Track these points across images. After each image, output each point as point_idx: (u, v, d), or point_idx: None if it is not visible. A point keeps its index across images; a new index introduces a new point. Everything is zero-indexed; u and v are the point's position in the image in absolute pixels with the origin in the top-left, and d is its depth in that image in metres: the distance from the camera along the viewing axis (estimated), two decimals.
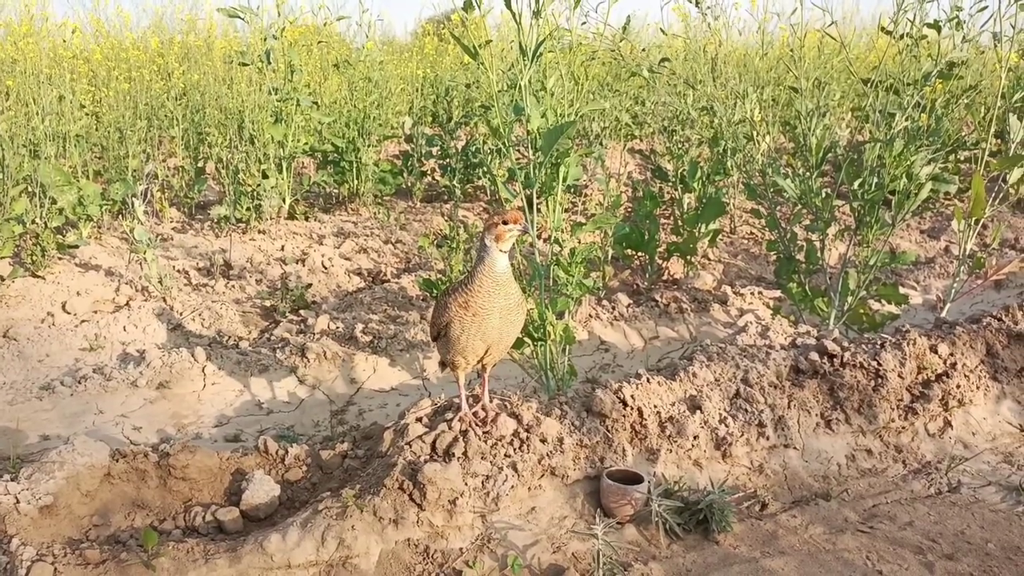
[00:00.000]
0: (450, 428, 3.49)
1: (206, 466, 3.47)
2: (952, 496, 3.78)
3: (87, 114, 8.71)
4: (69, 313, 5.58)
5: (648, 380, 3.92)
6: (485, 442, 3.44)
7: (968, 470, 3.98)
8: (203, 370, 4.79)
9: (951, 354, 4.38)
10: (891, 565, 3.26)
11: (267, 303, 5.99)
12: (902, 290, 6.55)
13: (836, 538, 3.43)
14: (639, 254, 7.12)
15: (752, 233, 8.50)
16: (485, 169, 8.98)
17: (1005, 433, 4.32)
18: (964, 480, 3.91)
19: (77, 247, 6.49)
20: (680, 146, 7.61)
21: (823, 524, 3.53)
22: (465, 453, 3.37)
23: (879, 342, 4.37)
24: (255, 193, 7.81)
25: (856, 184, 5.56)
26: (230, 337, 5.38)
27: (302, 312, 5.87)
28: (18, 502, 2.93)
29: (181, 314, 5.62)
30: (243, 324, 5.65)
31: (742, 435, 3.87)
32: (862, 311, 5.56)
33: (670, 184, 7.58)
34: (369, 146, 8.83)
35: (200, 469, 3.45)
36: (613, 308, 6.20)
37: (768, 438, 3.92)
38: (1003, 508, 3.69)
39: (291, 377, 4.97)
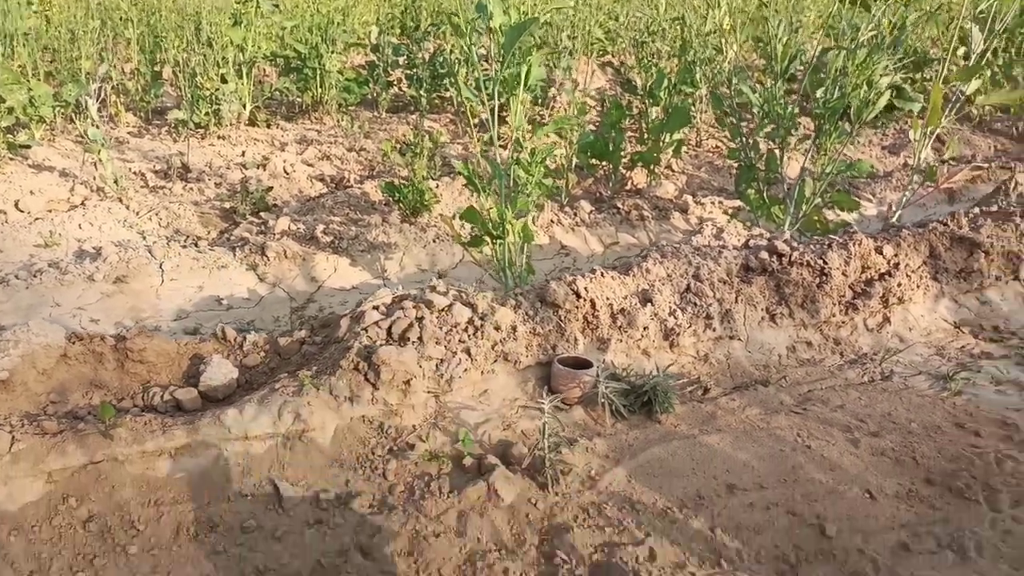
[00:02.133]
0: (406, 315, 3.57)
1: (164, 350, 3.52)
2: (884, 383, 3.98)
3: (35, 13, 8.34)
4: (22, 211, 5.50)
5: (602, 274, 4.02)
6: (440, 328, 3.54)
7: (901, 361, 4.18)
8: (161, 266, 4.78)
9: (895, 255, 4.54)
10: (819, 441, 3.47)
11: (226, 205, 5.95)
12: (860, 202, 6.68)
13: (771, 418, 3.62)
14: (604, 164, 7.14)
15: (718, 146, 8.54)
16: (452, 80, 8.84)
17: (940, 329, 4.52)
18: (897, 370, 4.12)
19: (29, 147, 6.34)
20: (650, 59, 7.54)
21: (760, 406, 3.72)
22: (420, 338, 3.46)
23: (827, 242, 4.50)
24: (213, 97, 7.63)
25: (819, 92, 5.60)
26: (188, 236, 5.36)
27: (262, 214, 5.84)
28: None
29: (138, 214, 5.56)
30: (201, 224, 5.62)
31: (690, 327, 4.01)
32: (816, 218, 5.70)
33: (638, 97, 7.54)
34: (333, 52, 8.60)
35: (158, 353, 3.50)
36: (575, 214, 6.26)
37: (714, 330, 4.06)
38: (930, 394, 3.91)
39: (251, 275, 5.00)
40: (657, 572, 2.77)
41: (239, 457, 3.02)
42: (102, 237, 5.22)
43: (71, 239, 5.15)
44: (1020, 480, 3.32)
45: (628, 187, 7.12)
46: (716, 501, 3.17)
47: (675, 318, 3.97)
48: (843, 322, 4.28)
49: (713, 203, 6.71)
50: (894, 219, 5.58)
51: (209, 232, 5.55)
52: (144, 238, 5.29)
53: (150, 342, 3.46)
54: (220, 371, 3.44)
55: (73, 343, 3.32)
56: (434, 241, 5.69)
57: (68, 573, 2.56)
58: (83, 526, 2.69)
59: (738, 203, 6.56)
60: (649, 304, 3.97)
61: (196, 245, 5.23)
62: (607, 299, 3.92)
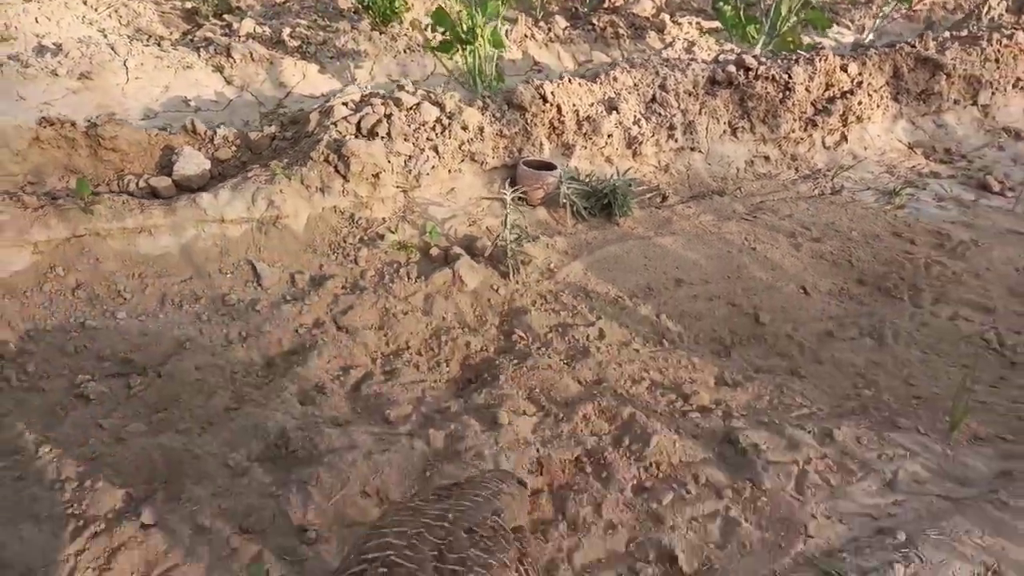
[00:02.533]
0: (375, 111, 3.62)
1: (135, 140, 3.56)
2: (832, 197, 4.19)
3: None
4: None
5: (569, 80, 4.05)
6: (408, 125, 3.60)
7: (852, 177, 4.38)
8: (125, 63, 4.68)
9: (860, 73, 4.60)
10: (765, 244, 3.71)
11: (188, 5, 5.72)
12: (836, 28, 6.62)
13: (722, 224, 3.84)
14: None
15: None
16: None
17: (894, 149, 4.69)
18: (847, 185, 4.32)
19: None
20: None
21: (714, 214, 3.93)
22: (389, 133, 3.53)
23: (794, 58, 4.54)
24: None
25: None
26: (151, 36, 5.20)
27: (226, 16, 5.64)
28: None
29: (96, 10, 5.34)
30: (163, 24, 5.43)
31: (653, 136, 4.11)
32: (790, 39, 5.66)
33: None
34: None
35: (130, 142, 3.55)
36: (549, 30, 6.13)
37: (676, 140, 4.18)
38: (874, 207, 4.13)
39: (217, 77, 4.92)
40: (605, 348, 3.06)
41: (216, 239, 3.18)
42: (61, 33, 5.04)
43: (28, 34, 4.97)
44: (944, 282, 3.63)
45: (606, 4, 6.92)
46: (663, 292, 3.44)
47: (639, 127, 4.07)
48: (802, 138, 4.42)
49: (690, 23, 6.59)
50: (866, 39, 5.58)
51: (171, 33, 5.38)
52: (105, 36, 5.12)
53: (121, 130, 3.49)
54: (193, 162, 3.52)
55: (44, 127, 3.35)
56: (404, 51, 5.59)
57: (62, 333, 2.77)
58: (72, 293, 2.87)
59: (716, 24, 6.45)
60: (614, 112, 4.04)
61: (159, 45, 5.09)
62: (573, 105, 3.99)
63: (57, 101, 4.39)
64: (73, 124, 3.42)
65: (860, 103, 4.47)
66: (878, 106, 4.59)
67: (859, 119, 4.50)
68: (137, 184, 3.40)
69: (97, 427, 2.48)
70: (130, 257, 3.01)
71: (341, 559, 1.50)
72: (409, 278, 3.27)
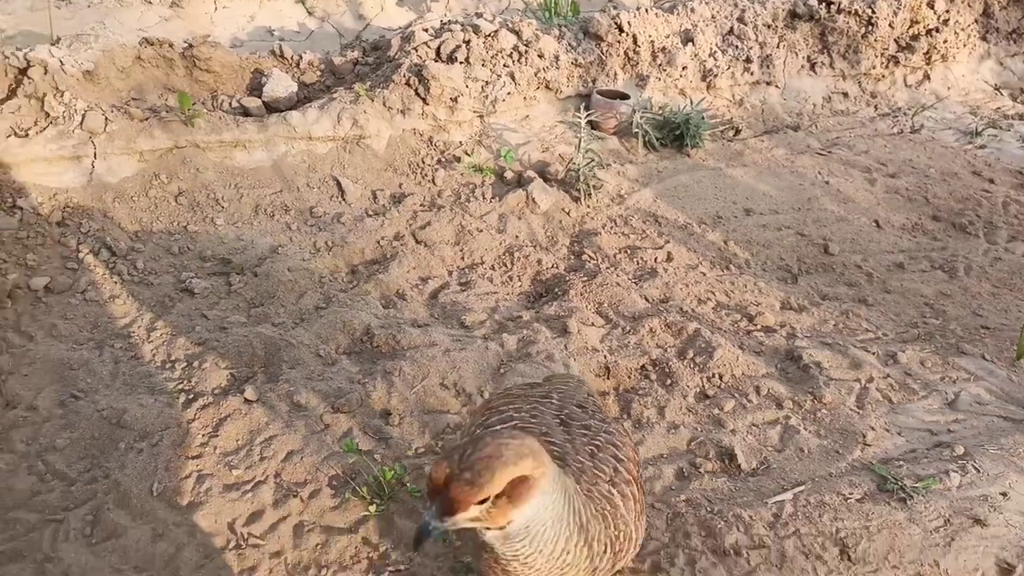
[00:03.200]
0: (454, 37, 3.71)
1: (228, 62, 3.75)
2: (911, 135, 4.13)
3: None
4: None
5: (647, 11, 4.06)
6: (487, 51, 3.69)
7: (933, 117, 4.29)
8: None
9: (947, 10, 4.46)
10: (839, 179, 3.70)
11: None
12: None
13: (796, 158, 3.84)
14: None
15: None
16: None
17: (979, 90, 4.56)
18: (928, 124, 4.23)
19: None
20: None
21: (787, 148, 3.92)
22: (467, 59, 3.63)
23: None
24: None
25: None
26: None
27: None
28: (63, 64, 3.24)
29: None
30: None
31: (728, 69, 4.10)
32: None
33: None
34: None
35: (222, 64, 3.73)
36: None
37: (752, 74, 4.16)
38: (954, 146, 4.06)
39: (300, 8, 5.07)
40: (672, 270, 3.14)
41: (304, 155, 3.36)
42: None
43: None
44: (1022, 221, 3.57)
45: None
46: (732, 221, 3.48)
47: (714, 59, 4.07)
48: (883, 75, 4.34)
49: None
50: None
51: None
52: None
53: (215, 52, 3.68)
54: (281, 84, 3.69)
55: (145, 47, 3.56)
56: None
57: (167, 235, 3.00)
58: (175, 199, 3.10)
59: None
60: (690, 44, 4.04)
61: None
62: (649, 36, 4.00)
63: (150, 28, 4.60)
64: (171, 45, 3.62)
65: (946, 41, 4.35)
66: (964, 45, 4.45)
67: (943, 58, 4.39)
68: (230, 103, 3.60)
69: (202, 317, 2.71)
70: (227, 169, 3.22)
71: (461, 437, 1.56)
72: (484, 198, 3.40)
